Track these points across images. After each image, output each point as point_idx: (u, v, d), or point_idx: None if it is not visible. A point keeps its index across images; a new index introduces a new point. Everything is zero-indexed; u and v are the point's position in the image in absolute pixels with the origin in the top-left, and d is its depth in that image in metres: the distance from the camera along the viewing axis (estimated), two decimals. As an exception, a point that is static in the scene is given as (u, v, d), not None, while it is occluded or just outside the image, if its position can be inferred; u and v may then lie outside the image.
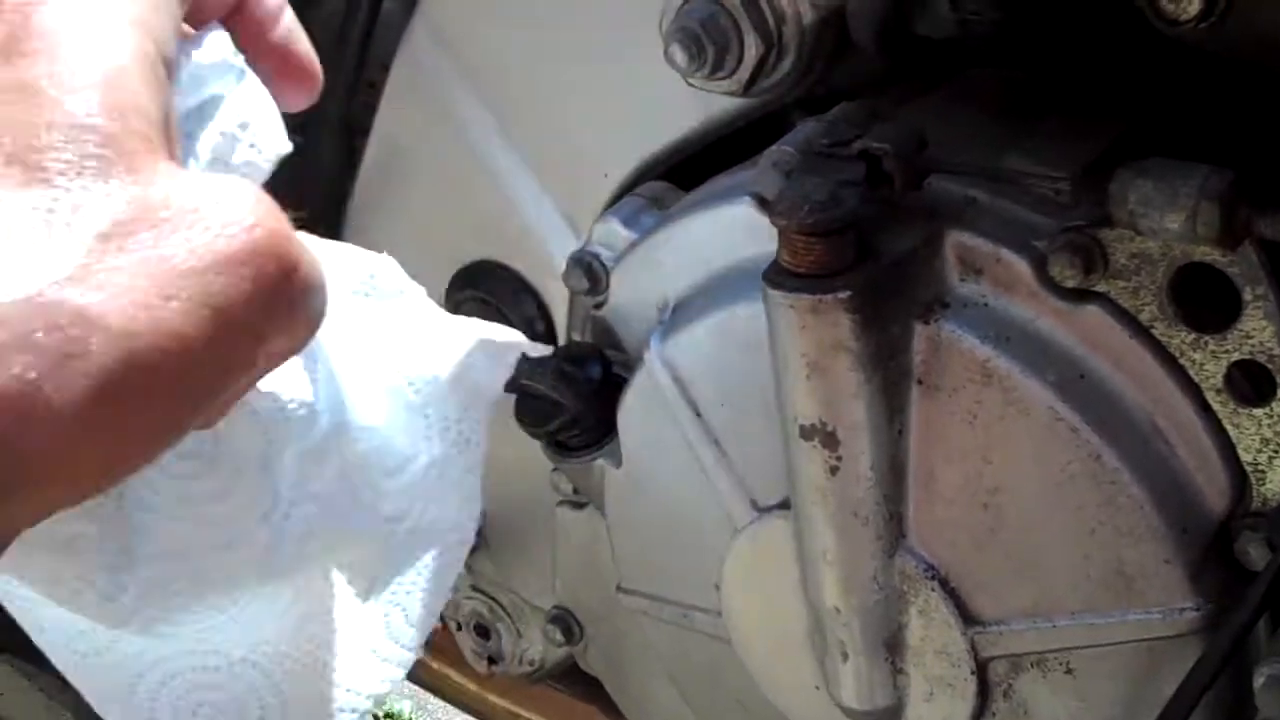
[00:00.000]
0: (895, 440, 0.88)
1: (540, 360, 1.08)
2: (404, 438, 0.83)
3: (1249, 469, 0.83)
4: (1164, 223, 0.78)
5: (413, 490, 0.83)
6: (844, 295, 0.84)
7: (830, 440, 0.88)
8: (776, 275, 0.86)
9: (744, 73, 0.95)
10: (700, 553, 1.03)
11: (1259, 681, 0.79)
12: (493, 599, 1.40)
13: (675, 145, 1.07)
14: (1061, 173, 0.87)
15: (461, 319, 0.89)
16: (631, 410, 1.03)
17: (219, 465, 0.70)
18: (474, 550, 1.36)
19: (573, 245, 1.11)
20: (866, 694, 0.95)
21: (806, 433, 0.88)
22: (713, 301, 0.98)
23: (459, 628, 1.44)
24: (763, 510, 0.98)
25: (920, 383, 0.88)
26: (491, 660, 1.43)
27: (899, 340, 0.87)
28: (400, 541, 0.83)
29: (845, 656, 0.94)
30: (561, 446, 1.09)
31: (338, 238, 1.33)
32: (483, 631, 1.42)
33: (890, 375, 0.87)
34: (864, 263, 0.85)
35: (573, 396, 1.05)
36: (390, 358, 0.83)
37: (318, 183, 1.33)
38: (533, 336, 1.20)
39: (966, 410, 0.87)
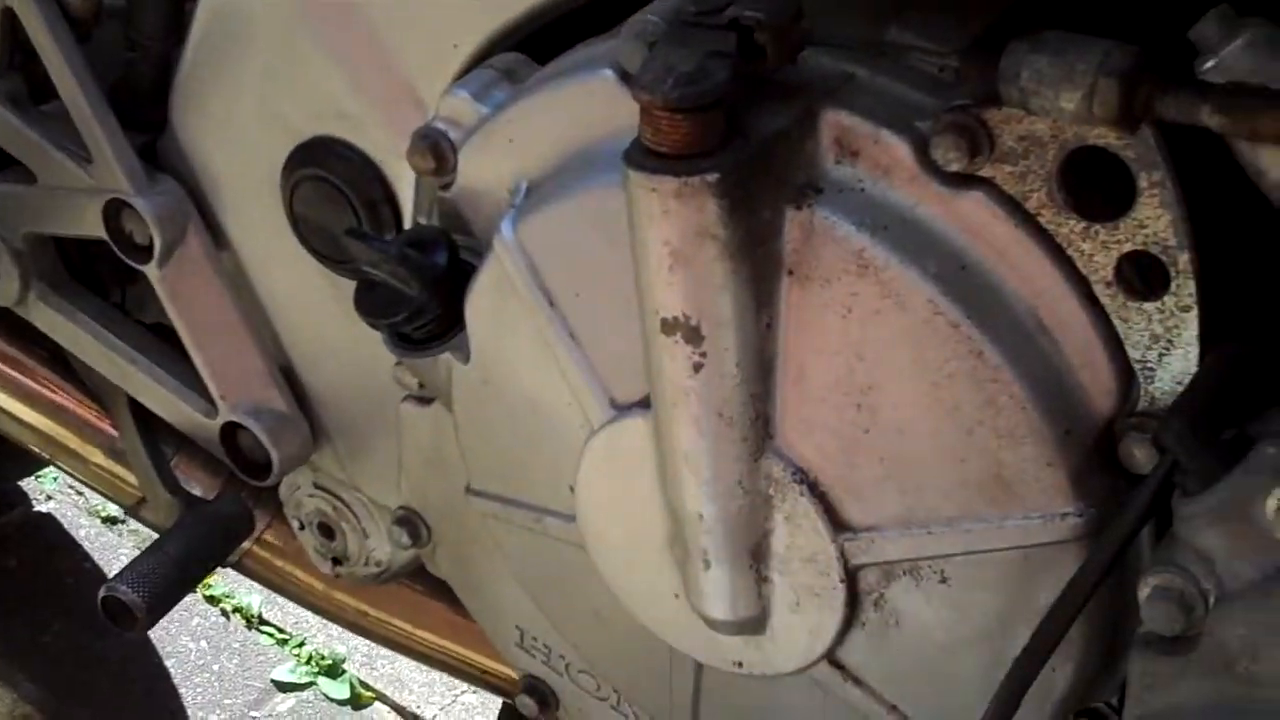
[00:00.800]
0: (763, 335, 0.82)
1: (381, 245, 1.01)
2: None
3: (1137, 367, 0.79)
4: (1058, 101, 0.73)
5: None
6: (711, 178, 0.78)
7: (694, 335, 0.81)
8: (638, 155, 0.80)
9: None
10: (554, 453, 0.97)
11: (1144, 592, 0.75)
12: (336, 497, 1.34)
13: (529, 14, 0.99)
14: (947, 48, 0.81)
15: None
16: (480, 300, 0.96)
17: None
18: (316, 446, 1.31)
19: (419, 123, 1.03)
20: (729, 603, 0.90)
21: (668, 326, 0.82)
22: (569, 183, 0.91)
23: (302, 527, 1.38)
24: (621, 408, 0.91)
25: (791, 273, 0.82)
26: (336, 561, 1.37)
27: (769, 227, 0.81)
28: None
29: (707, 565, 0.88)
30: (405, 340, 1.02)
31: (165, 109, 1.24)
32: (327, 531, 1.36)
33: (759, 265, 0.81)
34: (733, 142, 0.79)
35: (417, 285, 0.98)
36: None
37: (145, 49, 1.24)
38: (377, 219, 1.13)
39: (840, 303, 0.81)
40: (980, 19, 0.82)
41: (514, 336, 0.95)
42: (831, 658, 0.90)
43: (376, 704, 2.22)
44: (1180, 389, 0.78)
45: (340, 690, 2.22)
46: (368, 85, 1.09)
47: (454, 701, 2.21)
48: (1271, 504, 0.70)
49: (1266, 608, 0.71)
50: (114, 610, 1.28)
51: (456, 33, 1.02)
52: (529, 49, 1.00)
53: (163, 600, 1.27)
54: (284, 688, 2.24)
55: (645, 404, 0.89)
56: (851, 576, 0.86)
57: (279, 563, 1.54)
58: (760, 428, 0.84)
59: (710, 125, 0.78)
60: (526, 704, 1.16)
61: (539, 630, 1.12)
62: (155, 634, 2.30)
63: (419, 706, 2.21)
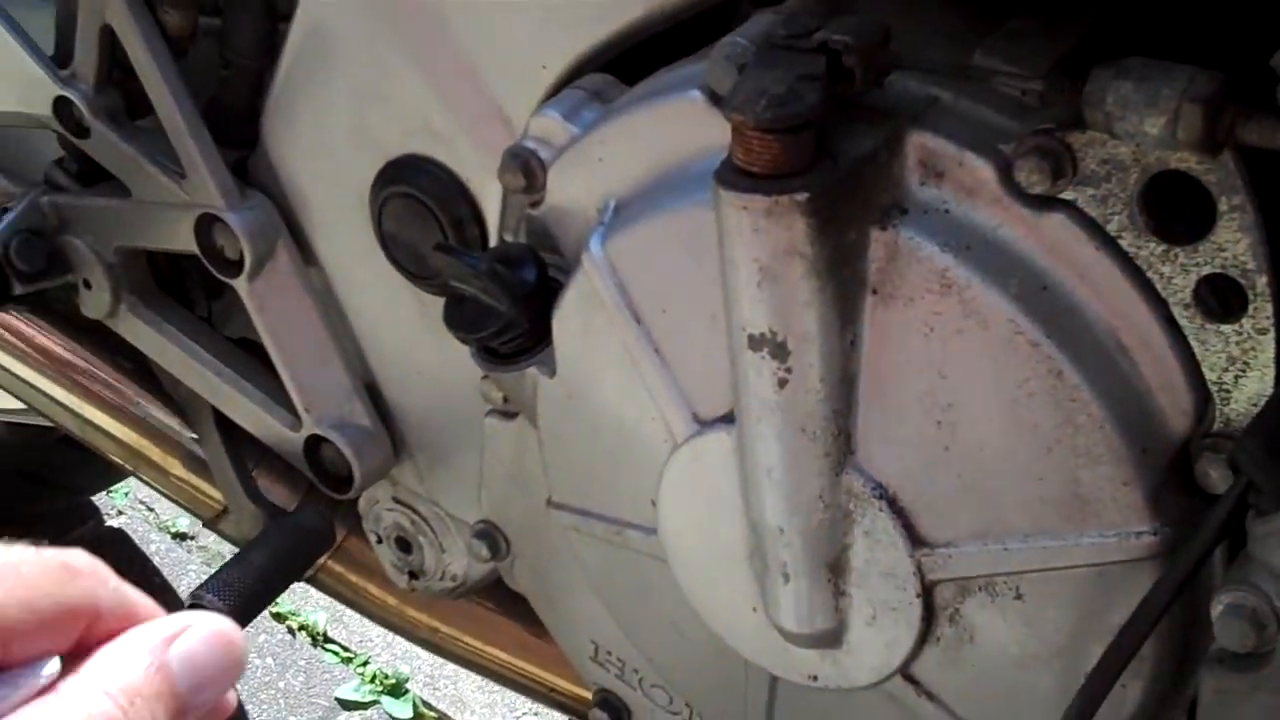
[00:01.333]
0: (847, 352, 0.84)
1: (471, 261, 1.03)
2: None
3: (1213, 388, 0.80)
4: (1143, 126, 0.74)
5: None
6: (801, 197, 0.79)
7: (780, 351, 0.83)
8: (729, 174, 0.81)
9: (693, -40, 0.90)
10: (637, 467, 0.98)
11: (1216, 610, 0.76)
12: (415, 511, 1.36)
13: (618, 36, 1.01)
14: (1031, 72, 0.83)
15: None
16: (568, 316, 0.99)
17: None
18: (397, 460, 1.33)
19: (508, 142, 1.05)
20: (807, 617, 0.91)
21: (755, 343, 0.84)
22: (657, 201, 0.93)
23: (379, 540, 1.40)
24: (705, 424, 0.93)
25: (875, 292, 0.83)
26: (413, 575, 1.39)
27: (855, 247, 0.83)
28: None
29: (786, 578, 0.90)
30: (492, 354, 1.04)
31: (258, 126, 1.27)
32: (404, 545, 1.38)
33: (844, 283, 0.83)
34: (822, 163, 0.80)
35: (506, 300, 1.00)
36: None
37: (239, 67, 1.28)
38: (464, 237, 1.15)
39: (923, 321, 0.83)
40: (1062, 45, 0.84)
41: (600, 352, 0.97)
42: (906, 672, 0.91)
43: (436, 723, 2.25)
44: (1255, 410, 0.79)
45: (403, 709, 2.25)
46: (457, 104, 1.12)
47: (516, 724, 2.24)
48: (1346, 524, 0.71)
49: (1340, 625, 0.72)
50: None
51: (545, 54, 1.04)
52: (617, 71, 1.03)
53: (247, 609, 1.30)
54: (348, 706, 2.27)
55: (728, 419, 0.90)
56: (928, 591, 0.87)
57: (353, 577, 1.57)
58: (842, 443, 0.86)
59: (800, 146, 0.80)
60: (599, 717, 1.18)
61: (614, 644, 1.14)
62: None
63: (480, 727, 2.24)
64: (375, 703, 2.26)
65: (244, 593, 1.29)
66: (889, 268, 0.83)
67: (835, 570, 0.89)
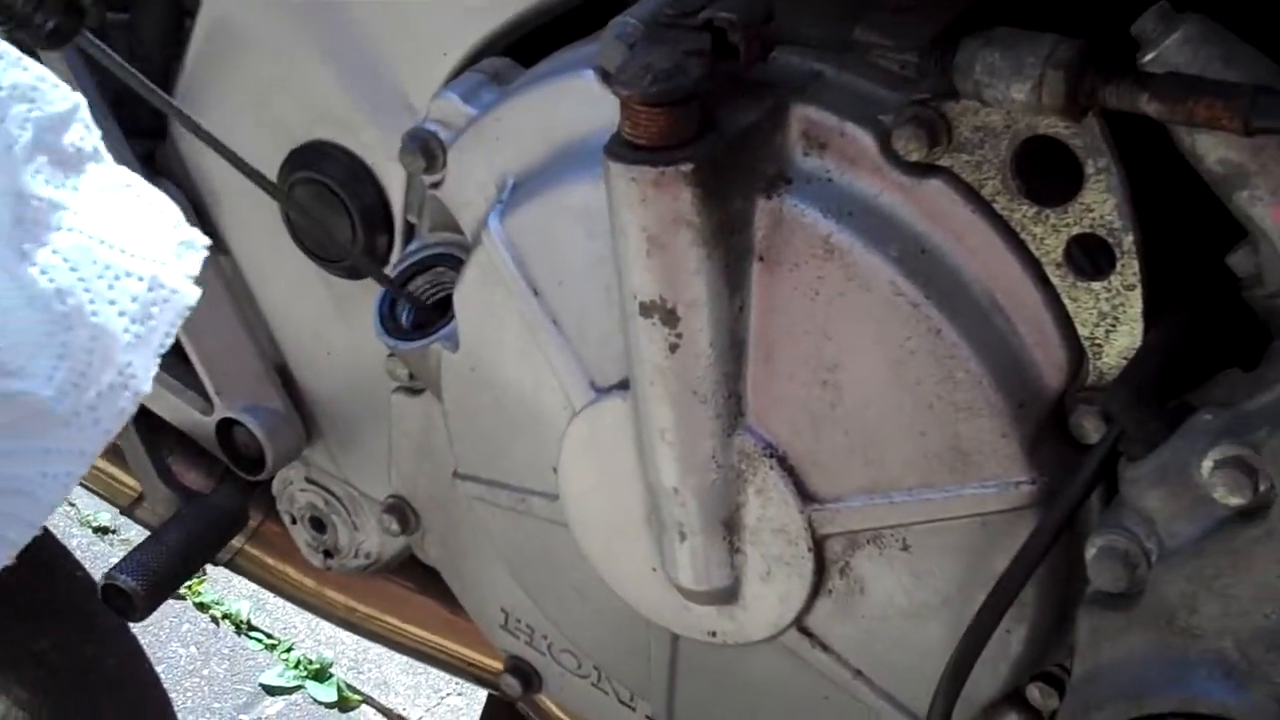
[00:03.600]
0: (736, 317, 0.87)
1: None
2: (23, 351, 0.77)
3: (1086, 343, 0.83)
4: (1009, 93, 0.78)
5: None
6: (686, 168, 0.82)
7: (670, 317, 0.86)
8: (618, 147, 0.84)
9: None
10: (538, 436, 1.01)
11: (1090, 552, 0.80)
12: (327, 491, 1.38)
13: (516, 21, 1.04)
14: (908, 45, 0.86)
15: (140, 191, 0.82)
16: (468, 291, 1.01)
17: None
18: (309, 441, 1.35)
19: (410, 126, 1.08)
20: (704, 574, 0.94)
21: (646, 310, 0.86)
22: (553, 177, 0.96)
23: (293, 521, 1.42)
24: (601, 391, 0.96)
25: (762, 259, 0.86)
26: (327, 553, 1.41)
27: (741, 215, 0.86)
28: None
29: (682, 537, 0.93)
30: (397, 329, 1.07)
31: (165, 117, 1.29)
32: (318, 524, 1.40)
33: (731, 251, 0.86)
34: (707, 135, 0.83)
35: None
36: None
37: (146, 59, 1.29)
38: (370, 220, 1.17)
39: (808, 286, 0.86)
40: (942, 18, 0.87)
41: (500, 325, 1.00)
42: (800, 625, 0.94)
43: (363, 706, 2.26)
44: (1126, 363, 0.83)
45: (328, 693, 2.26)
46: (361, 91, 1.14)
47: (439, 703, 2.25)
48: (1207, 465, 0.75)
49: (1202, 563, 0.76)
50: (113, 598, 1.32)
51: (446, 40, 1.07)
52: (516, 54, 1.06)
53: (161, 588, 1.31)
54: (272, 691, 2.28)
55: (624, 386, 0.93)
56: (819, 545, 0.91)
57: (271, 560, 1.58)
58: (733, 405, 0.89)
59: (685, 118, 0.83)
60: (510, 684, 1.20)
61: (523, 612, 1.17)
62: (145, 640, 2.33)
63: (404, 709, 2.25)
64: (299, 688, 2.27)
65: (158, 573, 1.31)
66: (774, 235, 0.86)
67: (730, 528, 0.92)
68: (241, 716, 2.22)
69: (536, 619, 1.16)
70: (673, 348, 0.87)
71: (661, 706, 1.07)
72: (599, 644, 1.10)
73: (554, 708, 1.36)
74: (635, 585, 1.00)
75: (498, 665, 1.37)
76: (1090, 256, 0.82)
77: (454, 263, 1.08)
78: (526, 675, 1.20)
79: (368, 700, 2.25)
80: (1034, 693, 0.94)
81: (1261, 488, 0.74)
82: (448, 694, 2.24)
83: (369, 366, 1.20)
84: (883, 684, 0.94)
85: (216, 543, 1.41)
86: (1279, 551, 0.73)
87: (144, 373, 0.82)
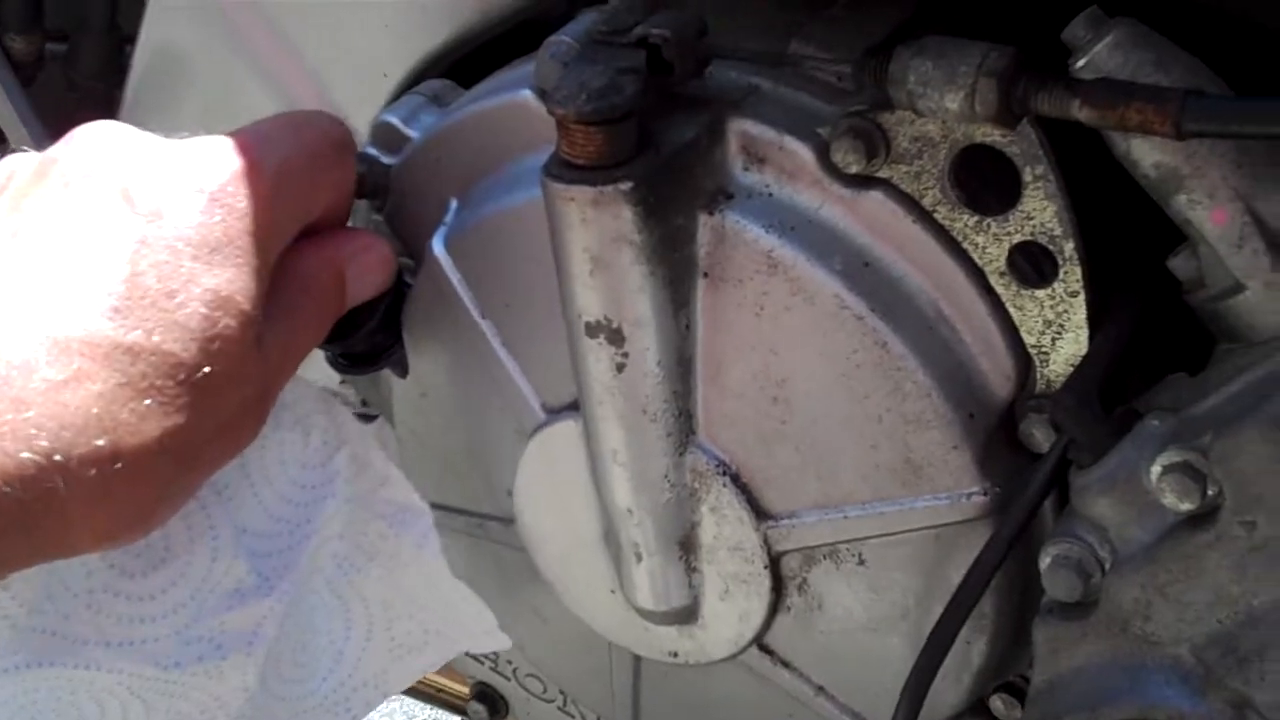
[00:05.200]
0: (682, 334, 0.86)
1: None
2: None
3: (1033, 351, 0.83)
4: (943, 102, 0.77)
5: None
6: (625, 186, 0.82)
7: (616, 336, 0.85)
8: (556, 167, 0.84)
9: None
10: (492, 460, 1.00)
11: (1044, 562, 0.79)
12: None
13: (455, 42, 1.03)
14: (844, 56, 0.86)
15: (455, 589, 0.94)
16: (416, 315, 1.00)
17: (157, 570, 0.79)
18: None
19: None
20: (662, 594, 0.93)
21: (591, 329, 0.86)
22: (493, 199, 0.95)
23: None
24: (552, 413, 0.95)
25: (706, 275, 0.86)
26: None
27: (683, 232, 0.85)
28: None
29: (639, 558, 0.92)
30: (347, 358, 1.06)
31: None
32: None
33: (675, 268, 0.85)
34: (645, 152, 0.83)
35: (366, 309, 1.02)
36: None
37: (86, 90, 1.28)
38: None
39: (753, 301, 0.85)
40: (878, 29, 0.87)
41: (449, 349, 0.99)
42: (761, 643, 0.94)
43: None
44: (1072, 370, 0.82)
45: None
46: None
47: None
48: (1155, 471, 0.75)
49: (1155, 569, 0.75)
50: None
51: (385, 62, 1.06)
52: (457, 76, 1.05)
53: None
54: None
55: (575, 407, 0.92)
56: (775, 562, 0.90)
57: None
58: (683, 423, 0.88)
59: (622, 136, 0.82)
60: (477, 710, 1.20)
61: (485, 634, 1.16)
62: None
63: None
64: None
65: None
66: (717, 251, 0.85)
67: (686, 547, 0.92)
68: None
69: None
70: (620, 367, 0.86)
71: (626, 728, 1.06)
72: (562, 667, 1.09)
73: (526, 733, 1.35)
74: (594, 607, 0.99)
75: (464, 690, 1.37)
76: (1033, 264, 0.82)
77: (404, 287, 1.07)
78: (493, 700, 1.19)
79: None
80: (997, 704, 0.93)
81: (1210, 492, 0.73)
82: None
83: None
84: (846, 699, 0.94)
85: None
86: (1230, 556, 0.73)
87: (395, 684, 0.95)
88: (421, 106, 1.03)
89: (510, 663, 1.16)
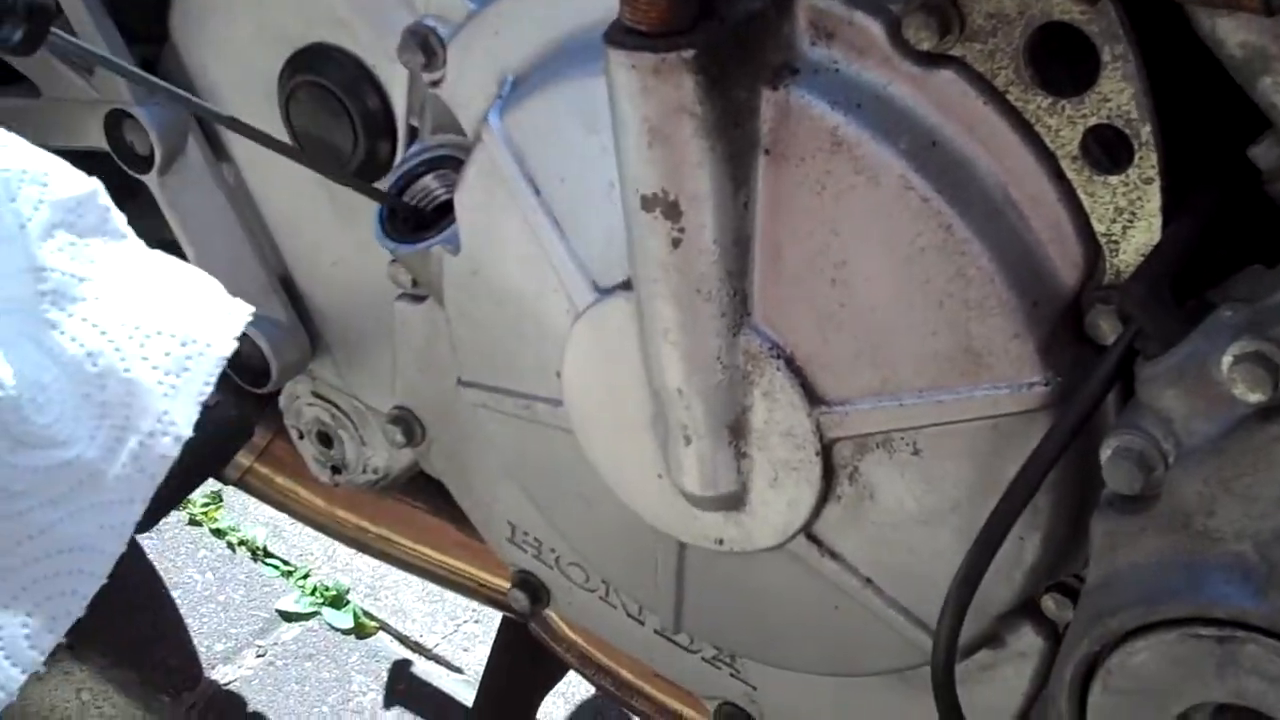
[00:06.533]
0: (740, 212, 0.84)
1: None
2: (66, 420, 0.81)
3: (1102, 240, 0.80)
4: (1025, -26, 0.74)
5: (48, 487, 0.82)
6: (688, 54, 0.79)
7: (673, 211, 0.83)
8: (617, 34, 0.81)
9: None
10: (541, 339, 0.99)
11: (1105, 454, 0.77)
12: (334, 405, 1.36)
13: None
14: None
15: (172, 269, 0.86)
16: (469, 191, 0.99)
17: None
18: (315, 355, 1.33)
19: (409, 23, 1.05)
20: (710, 479, 0.92)
21: (648, 203, 0.84)
22: (553, 73, 0.93)
23: (300, 436, 1.40)
24: (604, 291, 0.93)
25: (768, 152, 0.83)
26: (335, 469, 1.39)
27: (746, 107, 0.83)
28: (22, 561, 0.82)
29: (688, 440, 0.91)
30: (398, 232, 1.04)
31: (165, 22, 1.26)
32: (325, 440, 1.38)
33: (736, 144, 0.83)
34: (710, 21, 0.80)
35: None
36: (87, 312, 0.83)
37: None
38: (372, 125, 1.15)
39: (815, 180, 0.83)
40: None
41: (501, 226, 0.97)
42: (809, 532, 0.92)
43: (380, 633, 2.24)
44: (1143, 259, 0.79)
45: (344, 620, 2.25)
46: (363, -8, 1.11)
47: (456, 630, 2.24)
48: (1226, 361, 0.72)
49: (1221, 463, 0.73)
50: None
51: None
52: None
53: (164, 502, 1.29)
54: (289, 617, 2.26)
55: (628, 286, 0.91)
56: (827, 450, 0.88)
57: (280, 479, 1.57)
58: (738, 304, 0.86)
59: (686, 2, 0.80)
60: (518, 598, 1.19)
61: (529, 524, 1.15)
62: (162, 566, 2.34)
63: (421, 635, 2.24)
64: (316, 614, 2.25)
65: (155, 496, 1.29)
66: (780, 128, 0.83)
67: (736, 431, 0.90)
68: (258, 642, 2.21)
69: (543, 531, 1.14)
70: (675, 243, 0.84)
71: (669, 618, 1.04)
72: (606, 555, 1.07)
73: (565, 629, 1.34)
74: (641, 492, 0.98)
75: (507, 585, 1.36)
76: (1107, 149, 0.79)
77: (456, 165, 1.05)
78: (534, 589, 1.18)
79: (384, 626, 2.23)
80: (1049, 604, 0.91)
81: (1285, 380, 0.71)
82: (464, 620, 2.22)
83: (373, 275, 1.18)
84: (893, 593, 0.92)
85: (219, 456, 1.39)
86: (1303, 448, 0.71)
87: (184, 420, 0.88)
88: (481, -24, 1.01)
89: (552, 550, 1.15)
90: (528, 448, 1.05)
